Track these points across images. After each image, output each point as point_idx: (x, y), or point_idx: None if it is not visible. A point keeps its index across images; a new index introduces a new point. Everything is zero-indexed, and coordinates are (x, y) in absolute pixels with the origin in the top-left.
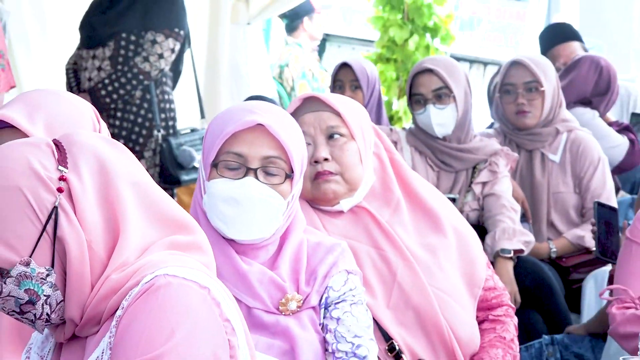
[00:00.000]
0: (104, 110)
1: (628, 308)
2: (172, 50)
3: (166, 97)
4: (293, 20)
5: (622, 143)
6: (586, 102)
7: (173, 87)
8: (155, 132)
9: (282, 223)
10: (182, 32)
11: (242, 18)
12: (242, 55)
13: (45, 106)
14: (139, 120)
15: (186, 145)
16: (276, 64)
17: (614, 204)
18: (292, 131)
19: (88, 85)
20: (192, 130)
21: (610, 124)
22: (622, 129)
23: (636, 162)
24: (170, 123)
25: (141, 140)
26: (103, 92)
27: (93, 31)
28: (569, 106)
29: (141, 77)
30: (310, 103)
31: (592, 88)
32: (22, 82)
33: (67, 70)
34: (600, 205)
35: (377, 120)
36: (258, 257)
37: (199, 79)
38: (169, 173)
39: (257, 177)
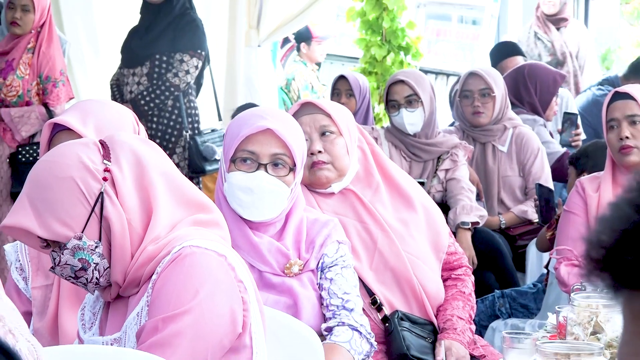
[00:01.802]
0: (143, 117)
1: (575, 266)
2: (196, 67)
3: (192, 104)
4: (296, 43)
5: (556, 152)
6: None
7: (196, 96)
8: (184, 133)
9: (287, 205)
10: (203, 53)
11: (254, 42)
12: (254, 71)
13: (94, 113)
14: (171, 123)
15: (209, 142)
16: (284, 77)
17: (551, 185)
18: (295, 132)
19: (129, 97)
20: (212, 130)
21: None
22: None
23: (562, 174)
24: (196, 125)
25: (173, 139)
26: (142, 102)
27: (133, 53)
28: (519, 113)
29: (172, 89)
30: (307, 107)
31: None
32: (80, 94)
33: (111, 85)
34: (540, 186)
35: (365, 121)
36: (267, 231)
37: (220, 90)
38: (196, 164)
39: (266, 171)
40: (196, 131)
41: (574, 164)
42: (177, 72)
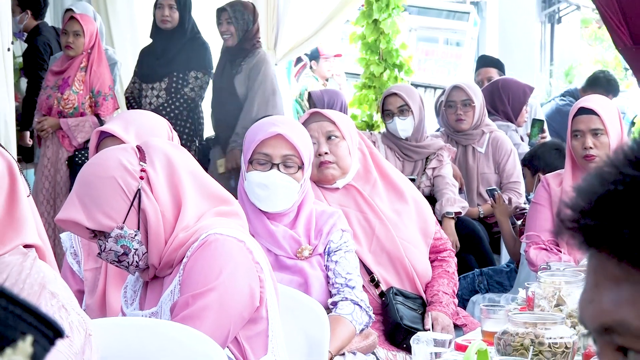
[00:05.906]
0: None
1: (542, 249)
2: (207, 83)
3: (201, 114)
4: (309, 61)
5: (525, 152)
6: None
7: None
8: (195, 140)
9: (298, 198)
10: (212, 71)
11: (272, 61)
12: None
13: (135, 122)
14: (186, 131)
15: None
16: (298, 89)
17: (521, 180)
18: (302, 136)
19: (149, 109)
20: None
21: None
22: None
23: None
24: (202, 134)
25: (188, 144)
26: (163, 113)
27: (152, 71)
28: (494, 120)
29: (190, 102)
30: (315, 116)
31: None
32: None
33: (127, 98)
34: (492, 191)
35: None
36: (282, 220)
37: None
38: None
39: (279, 169)
40: (202, 139)
41: (528, 166)
42: (193, 87)
